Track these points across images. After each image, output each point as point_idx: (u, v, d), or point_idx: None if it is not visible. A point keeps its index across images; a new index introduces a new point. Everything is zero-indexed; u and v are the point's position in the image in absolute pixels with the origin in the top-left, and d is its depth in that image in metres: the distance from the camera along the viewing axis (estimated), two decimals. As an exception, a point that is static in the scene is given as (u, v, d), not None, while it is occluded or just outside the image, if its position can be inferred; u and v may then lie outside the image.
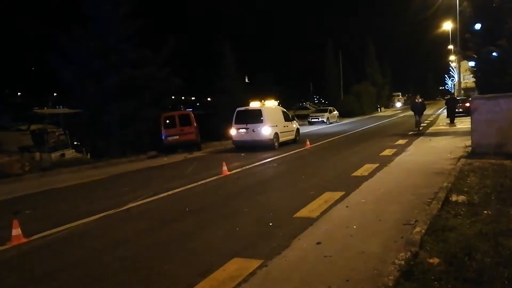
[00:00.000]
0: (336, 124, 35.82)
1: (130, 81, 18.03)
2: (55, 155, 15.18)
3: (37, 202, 9.29)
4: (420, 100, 21.79)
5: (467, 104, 24.02)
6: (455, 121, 23.51)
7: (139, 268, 4.80)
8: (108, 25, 18.13)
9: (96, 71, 17.93)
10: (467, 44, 25.05)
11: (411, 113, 23.42)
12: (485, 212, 5.44)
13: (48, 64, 17.97)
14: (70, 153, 16.01)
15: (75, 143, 17.51)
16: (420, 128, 21.02)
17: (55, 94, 36.64)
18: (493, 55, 20.38)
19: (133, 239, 6.00)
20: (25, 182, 12.50)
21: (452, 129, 20.81)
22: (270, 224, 6.12)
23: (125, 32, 18.67)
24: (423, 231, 4.83)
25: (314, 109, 45.23)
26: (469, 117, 11.67)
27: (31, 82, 45.15)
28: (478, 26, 21.83)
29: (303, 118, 36.85)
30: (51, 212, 8.25)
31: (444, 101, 34.96)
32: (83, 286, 4.45)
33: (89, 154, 16.83)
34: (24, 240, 6.10)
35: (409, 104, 24.24)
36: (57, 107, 26.13)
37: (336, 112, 39.45)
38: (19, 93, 54.13)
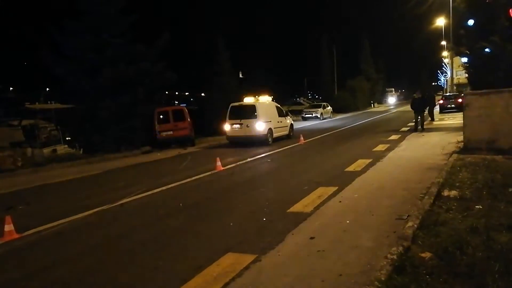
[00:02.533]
0: (330, 119, 35.89)
1: (124, 76, 17.93)
2: (47, 151, 15.08)
3: (30, 197, 9.21)
4: (419, 95, 19.50)
5: (460, 100, 24.03)
6: (434, 118, 22.87)
7: (133, 263, 4.81)
8: (102, 19, 17.99)
9: (90, 66, 17.81)
10: (460, 40, 25.13)
11: (403, 108, 22.09)
12: (477, 207, 5.50)
13: (41, 59, 17.80)
14: (62, 149, 15.93)
15: (67, 138, 17.41)
16: (423, 127, 18.56)
17: (47, 89, 36.31)
18: (485, 51, 20.47)
19: (127, 234, 6.00)
20: (17, 178, 12.43)
21: (445, 124, 20.88)
22: (264, 219, 6.15)
23: (119, 27, 18.55)
24: (415, 225, 4.87)
25: (308, 104, 45.22)
26: (461, 112, 11.75)
27: (23, 77, 44.73)
28: (471, 22, 21.85)
29: (297, 114, 36.88)
30: (44, 207, 8.22)
31: (439, 96, 34.79)
32: (76, 282, 4.44)
33: (82, 149, 16.75)
34: (16, 236, 6.08)
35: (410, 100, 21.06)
36: (48, 102, 25.89)
37: (329, 107, 39.52)
38: (11, 88, 53.60)
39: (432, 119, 22.84)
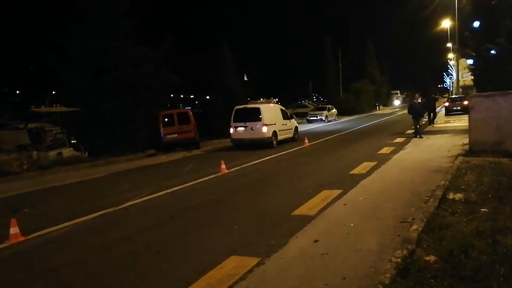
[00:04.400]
0: (335, 122, 35.84)
1: (128, 79, 18.02)
2: (52, 154, 15.17)
3: (35, 200, 9.29)
4: (419, 100, 17.87)
5: (465, 102, 23.85)
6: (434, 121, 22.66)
7: (138, 266, 4.82)
8: (106, 22, 18.11)
9: (94, 68, 17.92)
10: (465, 42, 25.05)
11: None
12: (482, 210, 5.46)
13: (47, 62, 17.93)
14: (67, 152, 16.01)
15: (72, 141, 17.50)
16: (422, 136, 16.59)
17: (53, 92, 36.57)
18: (491, 53, 20.37)
19: (132, 237, 6.01)
20: (23, 181, 12.50)
21: (450, 127, 20.76)
22: (268, 222, 6.13)
23: (123, 30, 18.65)
24: (420, 228, 4.85)
25: (313, 107, 45.22)
26: (467, 115, 11.68)
27: (29, 81, 45.08)
28: (477, 24, 21.78)
29: (301, 116, 36.83)
30: (50, 210, 8.27)
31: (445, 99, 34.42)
32: (81, 284, 4.46)
33: (87, 152, 16.83)
34: (22, 238, 6.11)
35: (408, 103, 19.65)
36: (54, 105, 26.07)
37: (334, 110, 39.46)
38: (17, 91, 54.06)
39: (430, 123, 22.26)
